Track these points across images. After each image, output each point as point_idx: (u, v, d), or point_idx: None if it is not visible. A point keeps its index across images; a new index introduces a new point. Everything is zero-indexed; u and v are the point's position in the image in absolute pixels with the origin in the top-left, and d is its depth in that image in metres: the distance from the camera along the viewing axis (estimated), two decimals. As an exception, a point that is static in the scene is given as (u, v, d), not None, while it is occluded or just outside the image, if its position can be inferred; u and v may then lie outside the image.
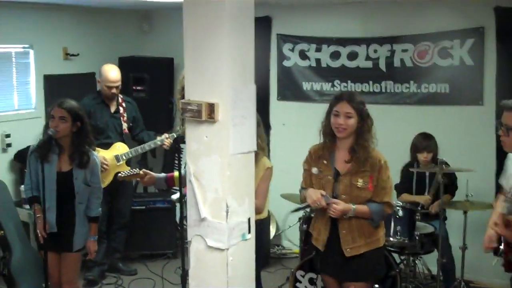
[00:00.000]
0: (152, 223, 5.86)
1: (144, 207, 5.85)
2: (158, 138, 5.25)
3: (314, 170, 3.58)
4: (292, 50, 6.05)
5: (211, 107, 2.62)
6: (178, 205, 6.06)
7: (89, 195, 4.07)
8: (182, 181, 3.26)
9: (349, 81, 5.79)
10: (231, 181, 2.68)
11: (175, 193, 5.86)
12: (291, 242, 6.01)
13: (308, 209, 4.55)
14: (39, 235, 3.95)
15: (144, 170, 3.85)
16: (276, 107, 6.23)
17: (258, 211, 3.72)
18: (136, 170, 3.86)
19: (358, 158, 3.45)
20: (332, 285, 3.68)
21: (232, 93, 2.63)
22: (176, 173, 3.82)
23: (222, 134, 2.64)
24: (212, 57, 2.62)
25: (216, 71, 2.61)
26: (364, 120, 3.46)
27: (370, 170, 3.44)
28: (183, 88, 3.37)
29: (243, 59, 2.69)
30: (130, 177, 3.92)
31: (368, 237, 3.49)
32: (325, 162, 3.55)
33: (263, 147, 3.60)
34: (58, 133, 3.85)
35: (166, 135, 5.21)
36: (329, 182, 3.51)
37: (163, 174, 3.86)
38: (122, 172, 3.96)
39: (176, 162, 6.60)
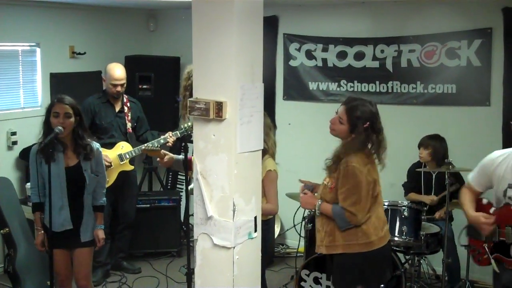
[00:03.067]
0: (156, 222, 5.87)
1: (148, 206, 5.85)
2: (162, 136, 5.27)
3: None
4: (299, 49, 6.05)
5: (219, 106, 2.63)
6: (183, 203, 6.09)
7: (96, 185, 4.07)
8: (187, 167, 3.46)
9: (355, 81, 5.79)
10: (238, 180, 2.69)
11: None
12: (296, 241, 6.01)
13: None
14: (39, 247, 4.00)
15: (164, 151, 3.87)
16: (282, 106, 6.24)
17: (273, 213, 3.79)
18: (157, 147, 3.89)
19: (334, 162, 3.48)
20: None
21: (240, 91, 2.64)
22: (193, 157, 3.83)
23: (230, 132, 2.65)
24: (221, 56, 2.63)
25: (224, 70, 2.63)
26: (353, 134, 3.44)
27: (337, 172, 3.42)
28: (187, 86, 3.40)
29: (251, 58, 2.70)
30: (152, 152, 4.01)
31: (345, 239, 3.43)
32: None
33: (268, 150, 3.63)
34: (65, 130, 3.83)
35: (170, 133, 5.22)
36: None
37: (181, 156, 3.83)
38: (145, 145, 4.30)
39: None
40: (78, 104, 4.00)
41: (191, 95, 2.94)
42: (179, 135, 5.16)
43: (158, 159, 3.87)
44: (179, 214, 6.03)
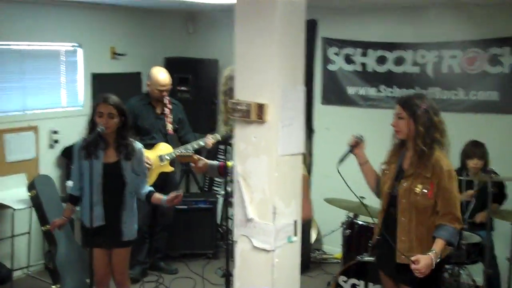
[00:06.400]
0: (193, 223, 5.91)
1: (186, 207, 5.88)
2: (201, 139, 5.31)
3: (383, 166, 3.61)
4: (338, 54, 6.03)
5: (261, 108, 2.61)
6: (219, 205, 6.11)
7: (138, 183, 4.10)
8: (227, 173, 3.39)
9: (395, 87, 5.74)
10: (278, 182, 2.66)
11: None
12: (333, 247, 5.99)
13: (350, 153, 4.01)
14: (52, 226, 4.20)
15: (198, 156, 3.84)
16: (320, 111, 6.22)
17: (308, 218, 3.75)
18: (190, 153, 3.88)
19: (421, 162, 3.37)
20: (388, 285, 3.65)
21: (282, 94, 2.62)
22: (229, 163, 3.83)
23: (271, 135, 2.63)
24: (263, 58, 2.61)
25: (266, 72, 2.61)
26: (417, 123, 3.38)
27: (431, 176, 3.34)
28: (226, 91, 3.39)
29: (293, 61, 2.68)
30: (185, 158, 3.96)
31: (426, 249, 3.34)
32: (393, 159, 3.56)
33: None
34: (108, 129, 3.89)
35: (209, 136, 5.25)
36: (390, 179, 3.50)
37: (216, 162, 3.83)
38: (177, 150, 4.31)
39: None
40: (123, 104, 4.04)
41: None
42: (219, 138, 5.18)
43: (192, 164, 3.86)
44: (215, 216, 6.05)
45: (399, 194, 3.43)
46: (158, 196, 4.12)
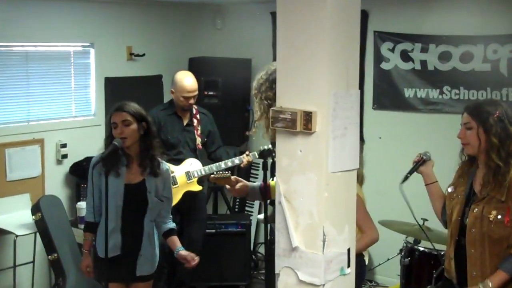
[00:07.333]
0: (223, 250, 5.89)
1: (214, 231, 5.87)
2: (237, 157, 5.32)
3: (450, 188, 3.54)
4: (392, 50, 5.99)
5: (308, 116, 2.58)
6: (253, 229, 6.09)
7: (160, 211, 4.11)
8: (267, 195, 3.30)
9: (461, 88, 5.68)
10: (329, 204, 2.63)
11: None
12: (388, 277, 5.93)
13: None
14: (84, 272, 4.11)
15: (236, 177, 3.81)
16: (371, 117, 6.17)
17: (374, 241, 3.71)
18: (227, 173, 3.82)
19: (496, 181, 3.30)
20: None
21: (333, 100, 2.59)
22: (273, 182, 3.80)
23: (320, 148, 2.60)
24: (310, 58, 2.59)
25: (315, 74, 2.58)
26: (489, 133, 3.31)
27: (507, 200, 3.26)
28: (267, 95, 3.36)
29: (346, 60, 2.65)
30: (220, 180, 3.88)
31: None
32: (462, 179, 3.50)
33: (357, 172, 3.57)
34: (125, 141, 3.87)
35: (248, 153, 5.29)
36: (458, 204, 3.43)
37: (257, 183, 3.77)
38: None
39: (251, 180, 6.64)
40: (142, 110, 4.03)
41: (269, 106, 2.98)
42: (257, 156, 5.18)
43: (227, 187, 3.84)
44: (248, 241, 6.04)
45: (468, 222, 3.36)
46: (175, 241, 4.15)
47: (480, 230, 3.31)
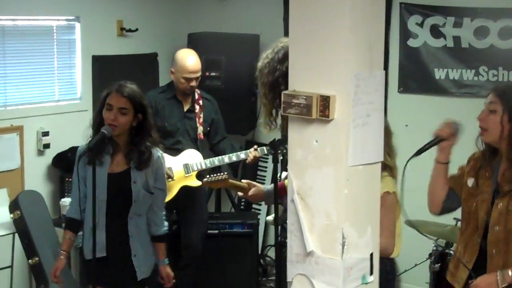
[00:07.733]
0: (227, 253, 5.90)
1: (217, 232, 5.86)
2: (243, 151, 5.32)
3: (470, 181, 3.53)
4: (421, 25, 5.98)
5: (325, 101, 2.58)
6: (261, 229, 6.09)
7: (152, 205, 4.10)
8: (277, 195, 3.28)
9: (500, 68, 5.68)
10: (349, 203, 2.64)
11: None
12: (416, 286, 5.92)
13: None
14: (52, 276, 4.11)
15: (249, 181, 3.80)
16: (397, 102, 6.17)
17: (385, 252, 3.68)
18: (223, 175, 3.78)
19: None
20: None
21: (354, 82, 2.59)
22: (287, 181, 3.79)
23: (339, 138, 2.61)
24: (328, 35, 2.58)
25: (333, 53, 2.58)
26: None
27: None
28: (278, 77, 3.35)
29: (369, 37, 2.64)
30: (215, 183, 3.86)
31: None
32: (486, 174, 3.48)
33: (389, 164, 3.54)
34: (115, 129, 3.86)
35: (256, 147, 5.31)
36: (485, 202, 3.43)
37: (271, 186, 3.75)
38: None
39: (259, 174, 6.65)
40: (144, 98, 4.03)
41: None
42: (265, 151, 5.17)
43: (240, 194, 3.80)
44: (256, 243, 6.05)
45: (492, 218, 3.39)
46: (162, 248, 4.17)
47: (505, 228, 3.34)
